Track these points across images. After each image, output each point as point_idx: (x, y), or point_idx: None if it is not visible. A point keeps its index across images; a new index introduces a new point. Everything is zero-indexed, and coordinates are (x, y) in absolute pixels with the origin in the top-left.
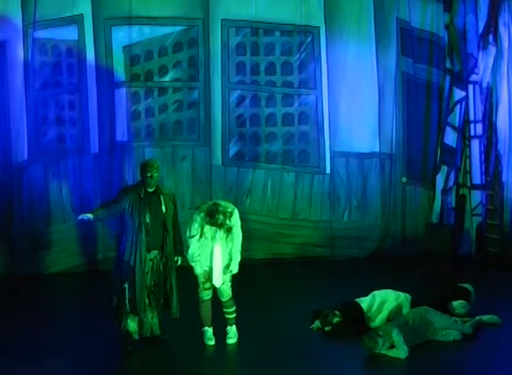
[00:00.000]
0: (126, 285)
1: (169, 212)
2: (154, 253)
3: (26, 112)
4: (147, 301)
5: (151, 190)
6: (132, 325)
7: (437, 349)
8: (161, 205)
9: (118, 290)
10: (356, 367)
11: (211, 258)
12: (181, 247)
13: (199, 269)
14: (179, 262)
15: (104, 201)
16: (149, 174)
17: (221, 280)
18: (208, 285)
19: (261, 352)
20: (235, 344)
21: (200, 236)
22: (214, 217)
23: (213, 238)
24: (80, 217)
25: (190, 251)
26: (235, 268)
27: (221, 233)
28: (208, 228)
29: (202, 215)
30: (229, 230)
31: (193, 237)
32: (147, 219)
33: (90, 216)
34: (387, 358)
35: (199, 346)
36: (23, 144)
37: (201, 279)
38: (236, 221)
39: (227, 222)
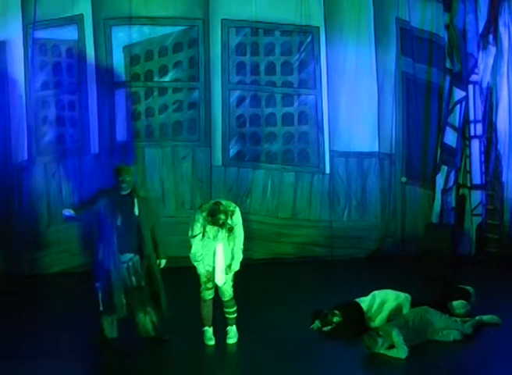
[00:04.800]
0: (100, 285)
1: (143, 214)
2: (130, 256)
3: (26, 112)
4: (124, 301)
5: (124, 193)
6: (106, 324)
7: (437, 349)
8: (133, 207)
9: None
10: (356, 367)
11: (214, 257)
12: (163, 249)
13: (202, 269)
14: (163, 265)
15: (82, 201)
16: (121, 179)
17: (223, 279)
18: (210, 285)
19: (261, 352)
20: (235, 344)
21: (203, 235)
22: (215, 217)
23: (215, 237)
24: (66, 213)
25: (192, 251)
26: (236, 266)
27: (223, 233)
28: (209, 227)
29: (204, 214)
30: (230, 230)
31: (195, 236)
32: (118, 222)
33: (72, 211)
34: (387, 358)
35: (199, 346)
36: (23, 144)
37: (203, 278)
38: (237, 220)
39: (229, 221)
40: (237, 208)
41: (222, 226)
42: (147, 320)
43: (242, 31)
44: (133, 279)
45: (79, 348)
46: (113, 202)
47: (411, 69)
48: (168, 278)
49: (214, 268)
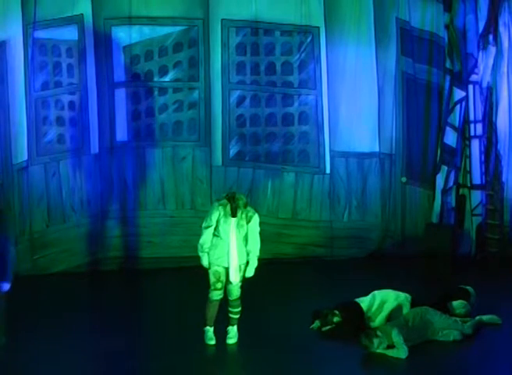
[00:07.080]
0: None
1: None
2: None
3: (26, 112)
4: None
5: None
6: None
7: (437, 349)
8: None
9: None
10: (356, 367)
11: (228, 257)
12: (11, 271)
13: (205, 261)
14: (5, 289)
15: None
16: None
17: (238, 277)
18: (219, 285)
19: (261, 352)
20: (235, 344)
21: (215, 229)
22: (234, 198)
23: (228, 226)
24: None
25: (201, 241)
26: (250, 273)
27: (239, 220)
28: (223, 225)
29: (221, 206)
30: (248, 219)
31: (208, 227)
32: None
33: None
34: (387, 358)
35: (199, 346)
36: (23, 145)
37: (212, 279)
38: (255, 225)
39: (247, 210)
40: (256, 215)
41: (237, 207)
42: None
43: (242, 31)
44: None
45: (79, 347)
46: None
47: (411, 69)
48: (169, 278)
49: (224, 268)
